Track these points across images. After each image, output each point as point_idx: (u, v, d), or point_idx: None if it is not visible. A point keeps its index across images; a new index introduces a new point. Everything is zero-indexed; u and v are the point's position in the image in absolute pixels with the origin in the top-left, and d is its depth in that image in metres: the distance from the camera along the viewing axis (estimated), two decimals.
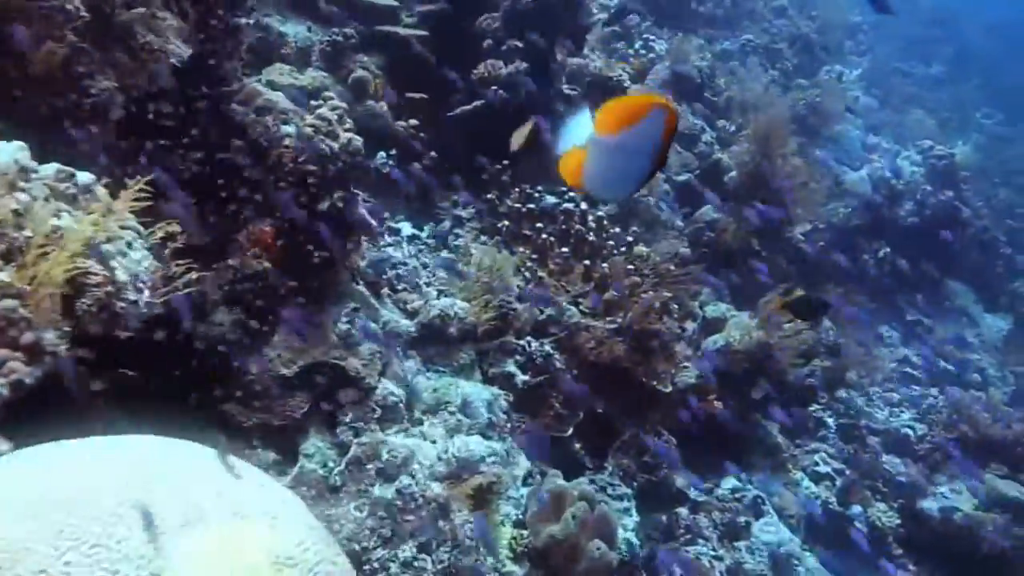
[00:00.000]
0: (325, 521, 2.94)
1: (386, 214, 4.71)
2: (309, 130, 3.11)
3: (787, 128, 6.43)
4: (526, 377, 4.06)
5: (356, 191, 3.26)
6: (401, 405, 3.27)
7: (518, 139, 2.91)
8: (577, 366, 4.41)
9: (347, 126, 3.26)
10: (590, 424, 4.47)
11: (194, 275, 3.02)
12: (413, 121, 4.91)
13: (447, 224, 4.87)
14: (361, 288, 3.44)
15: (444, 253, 4.56)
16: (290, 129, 3.11)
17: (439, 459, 3.23)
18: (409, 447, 3.15)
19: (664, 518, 5.21)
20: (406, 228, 4.70)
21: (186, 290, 2.95)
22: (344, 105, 3.31)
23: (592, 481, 4.40)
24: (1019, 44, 16.64)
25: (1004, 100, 13.91)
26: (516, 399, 4.04)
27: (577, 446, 4.45)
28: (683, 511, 5.34)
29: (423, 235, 4.72)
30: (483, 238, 4.72)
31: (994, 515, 5.96)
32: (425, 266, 4.31)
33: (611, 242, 4.69)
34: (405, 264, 4.22)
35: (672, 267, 4.83)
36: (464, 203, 4.91)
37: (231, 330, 2.96)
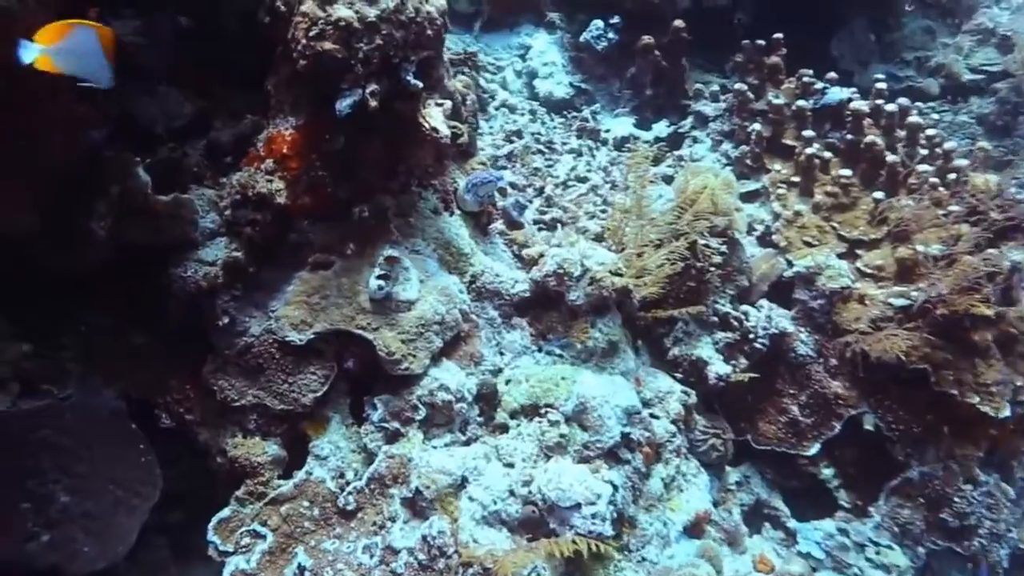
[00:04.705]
0: (318, 557, 2.04)
1: (596, 105, 3.47)
2: None
3: None
4: (727, 369, 2.63)
5: (416, 81, 2.11)
6: (462, 406, 2.17)
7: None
8: (837, 355, 2.82)
9: None
10: (853, 445, 2.88)
11: None
12: None
13: (687, 123, 3.45)
14: (450, 221, 2.35)
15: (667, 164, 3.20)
16: None
17: (511, 494, 2.09)
18: (456, 471, 2.07)
19: None
20: (621, 126, 3.41)
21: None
22: None
23: (842, 531, 2.87)
24: None
25: None
26: (705, 397, 2.67)
27: (828, 473, 2.91)
28: None
29: (645, 136, 3.39)
30: (726, 146, 3.24)
31: None
32: (614, 186, 3.02)
33: (927, 166, 2.88)
34: (580, 183, 2.99)
35: None
36: (713, 95, 3.43)
37: (223, 272, 2.12)
